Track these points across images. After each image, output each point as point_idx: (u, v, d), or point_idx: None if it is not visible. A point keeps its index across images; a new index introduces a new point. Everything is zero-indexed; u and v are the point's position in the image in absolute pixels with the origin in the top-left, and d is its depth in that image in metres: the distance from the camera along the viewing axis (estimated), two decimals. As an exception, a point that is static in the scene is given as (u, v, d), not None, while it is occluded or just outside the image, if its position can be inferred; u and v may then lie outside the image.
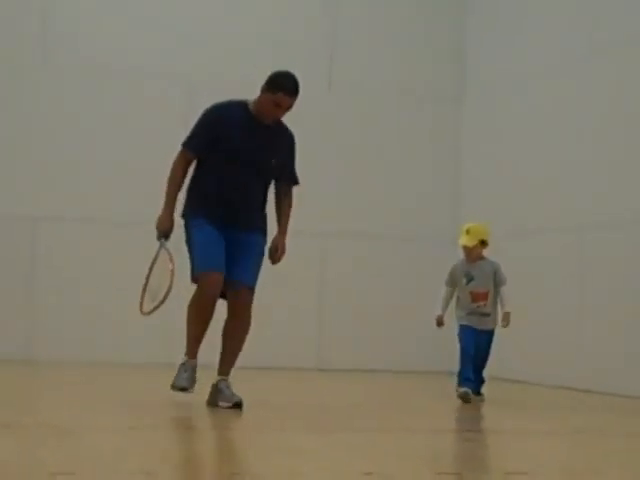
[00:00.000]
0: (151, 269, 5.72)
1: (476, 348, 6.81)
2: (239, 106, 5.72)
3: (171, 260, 5.52)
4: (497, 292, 6.81)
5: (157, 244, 5.69)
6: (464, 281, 6.84)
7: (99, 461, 3.71)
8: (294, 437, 4.62)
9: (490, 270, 6.83)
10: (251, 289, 5.66)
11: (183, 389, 5.55)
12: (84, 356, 9.26)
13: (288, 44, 9.92)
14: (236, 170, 5.61)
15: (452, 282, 6.93)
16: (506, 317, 6.69)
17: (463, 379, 6.73)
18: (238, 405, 5.40)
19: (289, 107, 5.60)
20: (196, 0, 10.13)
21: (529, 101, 9.48)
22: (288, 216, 5.86)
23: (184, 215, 5.73)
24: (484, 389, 6.93)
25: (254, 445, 4.37)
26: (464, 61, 10.51)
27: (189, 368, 5.60)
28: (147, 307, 5.64)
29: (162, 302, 5.46)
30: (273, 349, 9.40)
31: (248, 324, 5.69)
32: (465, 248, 6.85)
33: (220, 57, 9.97)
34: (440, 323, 6.89)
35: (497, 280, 6.80)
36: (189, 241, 5.67)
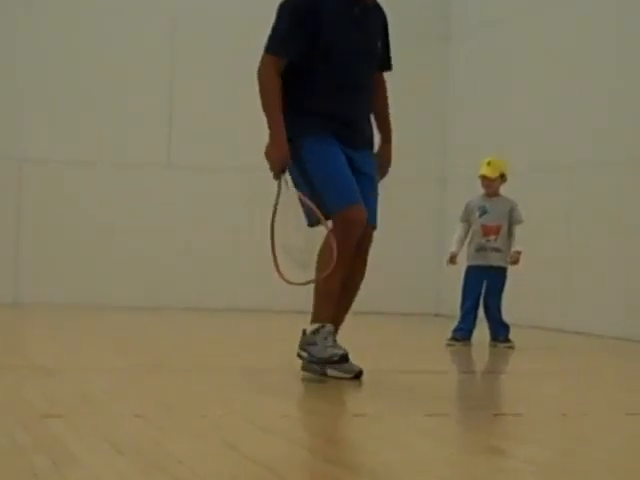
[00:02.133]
0: (274, 223, 4.44)
1: (487, 289, 6.62)
2: None
3: (318, 209, 4.31)
4: (511, 231, 6.61)
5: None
6: (477, 214, 6.64)
7: (88, 403, 3.68)
8: (282, 379, 4.58)
9: (506, 207, 6.64)
10: (375, 229, 4.62)
11: (343, 358, 4.29)
12: (71, 298, 9.21)
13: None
14: (343, 71, 4.49)
15: (466, 217, 6.72)
16: (515, 255, 6.48)
17: (455, 328, 6.57)
18: (358, 376, 4.33)
19: None
20: None
21: (517, 38, 9.36)
22: (388, 114, 4.79)
23: (291, 139, 4.42)
24: (511, 335, 6.60)
25: (240, 388, 4.34)
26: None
27: (329, 334, 4.36)
28: (293, 275, 4.34)
29: (330, 268, 4.22)
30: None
31: (365, 271, 4.65)
32: (485, 179, 6.62)
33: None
34: (453, 261, 6.68)
35: (513, 218, 6.61)
36: (309, 168, 4.43)
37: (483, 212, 6.61)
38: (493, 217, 6.60)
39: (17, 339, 6.51)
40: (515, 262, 6.49)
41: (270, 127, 4.41)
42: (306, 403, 3.92)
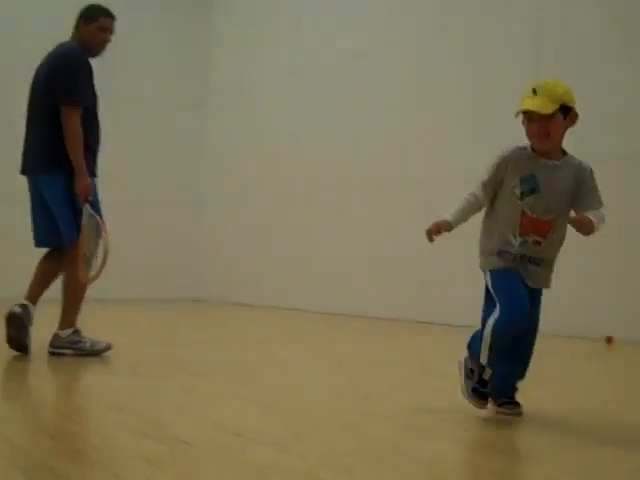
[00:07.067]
0: (80, 237, 5.46)
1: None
2: None
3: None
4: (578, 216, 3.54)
5: None
6: (518, 191, 3.57)
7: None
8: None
9: (571, 177, 3.59)
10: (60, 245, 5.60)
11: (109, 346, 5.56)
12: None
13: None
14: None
15: (492, 185, 3.65)
16: (586, 223, 3.47)
17: (489, 363, 3.63)
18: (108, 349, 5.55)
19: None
20: None
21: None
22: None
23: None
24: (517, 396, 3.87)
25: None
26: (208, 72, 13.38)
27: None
28: (85, 275, 5.37)
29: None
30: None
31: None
32: (531, 122, 3.52)
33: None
34: (438, 231, 3.62)
35: (583, 197, 3.59)
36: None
37: (531, 189, 3.57)
38: (547, 200, 3.59)
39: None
40: (582, 229, 3.49)
41: (80, 164, 5.38)
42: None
